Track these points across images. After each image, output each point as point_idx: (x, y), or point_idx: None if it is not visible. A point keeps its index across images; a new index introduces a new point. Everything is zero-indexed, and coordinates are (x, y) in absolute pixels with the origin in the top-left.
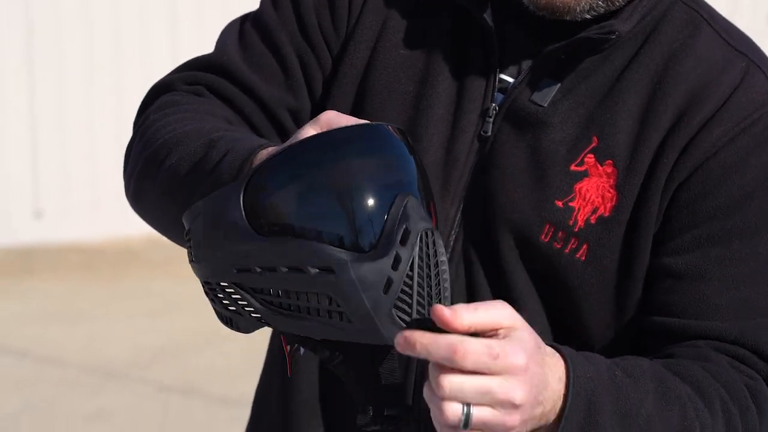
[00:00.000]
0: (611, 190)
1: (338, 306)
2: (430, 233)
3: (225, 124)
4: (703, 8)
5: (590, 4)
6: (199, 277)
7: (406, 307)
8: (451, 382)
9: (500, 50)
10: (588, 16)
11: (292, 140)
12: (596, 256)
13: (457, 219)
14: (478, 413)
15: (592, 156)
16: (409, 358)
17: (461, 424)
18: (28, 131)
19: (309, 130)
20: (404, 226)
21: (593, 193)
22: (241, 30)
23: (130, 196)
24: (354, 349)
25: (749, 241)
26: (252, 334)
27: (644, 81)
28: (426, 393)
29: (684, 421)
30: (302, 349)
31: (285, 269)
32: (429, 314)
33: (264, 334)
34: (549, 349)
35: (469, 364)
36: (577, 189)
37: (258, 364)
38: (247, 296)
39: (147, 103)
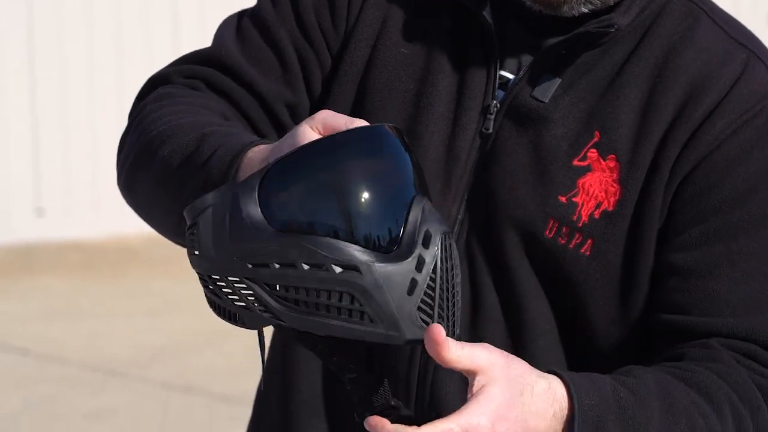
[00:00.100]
0: (614, 185)
1: (360, 305)
2: (448, 236)
3: (220, 119)
4: (702, 0)
5: None
6: (202, 270)
7: (428, 309)
8: None
9: (500, 47)
10: (585, 10)
11: (288, 138)
12: (601, 251)
13: (460, 216)
14: None
15: (595, 151)
16: (412, 352)
17: None
18: (30, 129)
19: (305, 128)
20: (425, 228)
21: (596, 187)
22: (239, 25)
23: (122, 185)
24: (355, 348)
25: (755, 234)
26: (252, 332)
27: (645, 74)
28: None
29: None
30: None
31: (306, 266)
32: (448, 317)
33: (265, 332)
34: (540, 387)
35: None
36: (580, 184)
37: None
38: (260, 292)
39: (143, 94)
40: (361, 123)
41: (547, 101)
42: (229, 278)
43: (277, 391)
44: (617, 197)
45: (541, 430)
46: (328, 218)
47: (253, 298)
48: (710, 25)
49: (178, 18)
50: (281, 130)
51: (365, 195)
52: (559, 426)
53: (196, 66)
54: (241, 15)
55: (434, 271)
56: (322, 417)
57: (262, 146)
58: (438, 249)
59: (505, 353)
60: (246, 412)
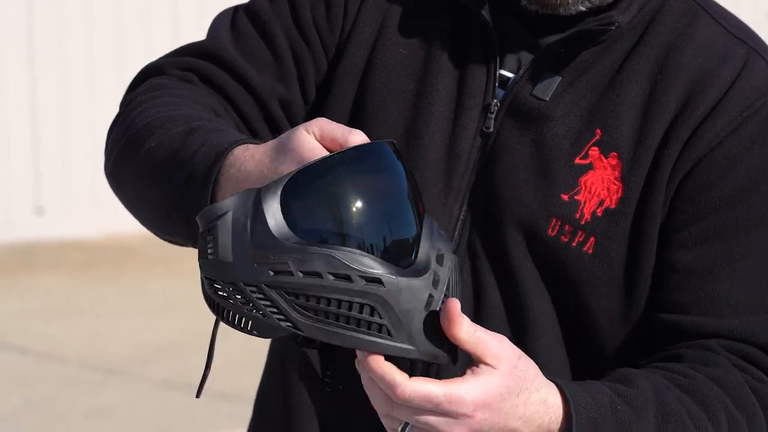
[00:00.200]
0: (616, 182)
1: (380, 318)
2: (455, 256)
3: (209, 114)
4: None
5: None
6: (217, 275)
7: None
8: (399, 409)
9: (499, 46)
10: (583, 8)
11: (285, 140)
12: (603, 248)
13: (462, 216)
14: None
15: (597, 148)
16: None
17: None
18: (30, 129)
19: (303, 132)
20: (438, 247)
21: (599, 185)
22: (233, 19)
23: (108, 172)
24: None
25: (756, 232)
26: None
27: (645, 72)
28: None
29: None
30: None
31: (331, 277)
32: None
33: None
34: (538, 396)
35: (402, 403)
36: (582, 182)
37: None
38: (279, 300)
39: (135, 84)
40: (359, 133)
41: (547, 99)
42: (247, 285)
43: (277, 392)
44: (619, 195)
45: None
46: (352, 231)
47: (270, 306)
48: (709, 22)
49: (178, 18)
50: (273, 125)
51: (387, 211)
52: None
53: (190, 58)
54: (237, 9)
55: (448, 288)
56: (323, 418)
57: (251, 145)
58: (450, 267)
59: (519, 351)
60: (245, 410)
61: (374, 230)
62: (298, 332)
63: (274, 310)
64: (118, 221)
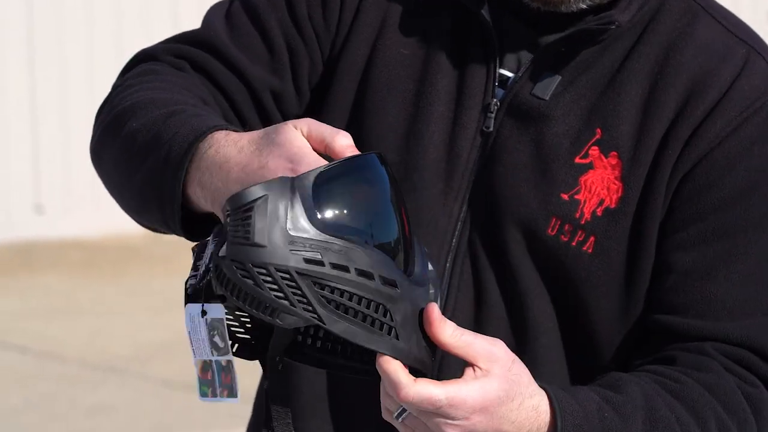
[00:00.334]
0: (616, 182)
1: (391, 319)
2: (438, 279)
3: (196, 101)
4: None
5: None
6: (251, 259)
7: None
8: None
9: (499, 45)
10: (584, 6)
11: (272, 133)
12: (603, 248)
13: (462, 215)
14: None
15: (597, 148)
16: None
17: (395, 416)
18: (30, 129)
19: (291, 128)
20: (428, 261)
21: (599, 185)
22: (229, 10)
23: (92, 149)
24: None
25: (753, 234)
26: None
27: (645, 71)
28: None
29: None
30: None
31: (355, 272)
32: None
33: None
34: (530, 402)
35: (404, 404)
36: (582, 181)
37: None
38: (307, 289)
39: (128, 69)
40: (345, 135)
41: (547, 99)
42: (278, 270)
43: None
44: (619, 194)
45: None
46: (375, 232)
47: (299, 295)
48: (709, 21)
49: (178, 18)
50: (264, 115)
51: (401, 220)
52: None
53: (183, 46)
54: (232, 0)
55: (439, 300)
56: (324, 417)
57: (233, 133)
58: (437, 286)
59: (512, 355)
60: (245, 409)
61: (389, 236)
62: (320, 324)
63: (303, 299)
64: (118, 220)
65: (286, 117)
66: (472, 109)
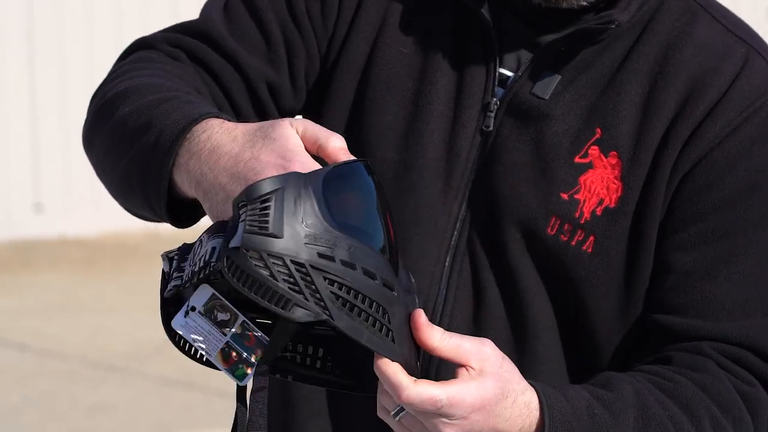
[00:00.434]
0: (616, 182)
1: (389, 322)
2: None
3: (190, 89)
4: None
5: None
6: (262, 248)
7: None
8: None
9: (499, 44)
10: (584, 2)
11: (267, 128)
12: (603, 248)
13: (461, 214)
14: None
15: (596, 147)
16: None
17: (392, 414)
18: (30, 128)
19: (286, 125)
20: (409, 272)
21: (598, 184)
22: (227, 2)
23: (83, 134)
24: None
25: (754, 234)
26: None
27: (645, 70)
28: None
29: None
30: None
31: (361, 271)
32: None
33: None
34: (522, 399)
35: (405, 405)
36: (581, 181)
37: None
38: (320, 282)
39: (124, 56)
40: (339, 138)
41: (547, 98)
42: (294, 262)
43: (277, 387)
44: (619, 194)
45: None
46: (378, 235)
47: (312, 289)
48: (709, 20)
49: (178, 18)
50: (259, 107)
51: (387, 228)
52: None
53: (180, 35)
54: None
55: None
56: (321, 413)
57: (227, 122)
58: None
59: (502, 353)
60: None
61: (390, 241)
62: (329, 319)
63: (316, 293)
64: (117, 218)
65: (281, 109)
66: (471, 108)
